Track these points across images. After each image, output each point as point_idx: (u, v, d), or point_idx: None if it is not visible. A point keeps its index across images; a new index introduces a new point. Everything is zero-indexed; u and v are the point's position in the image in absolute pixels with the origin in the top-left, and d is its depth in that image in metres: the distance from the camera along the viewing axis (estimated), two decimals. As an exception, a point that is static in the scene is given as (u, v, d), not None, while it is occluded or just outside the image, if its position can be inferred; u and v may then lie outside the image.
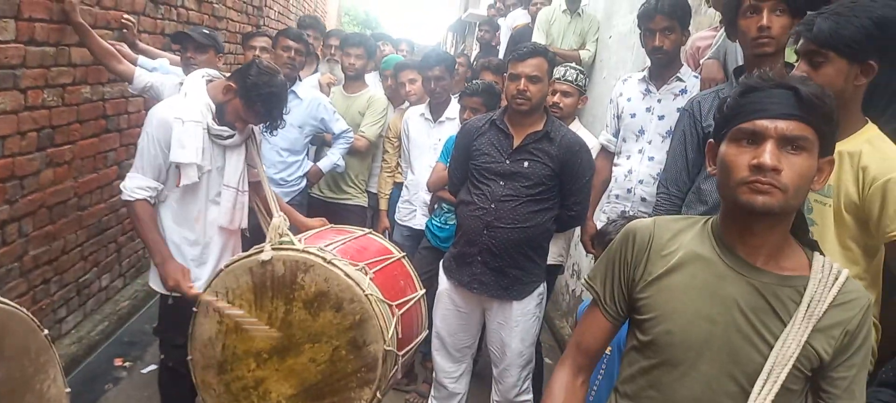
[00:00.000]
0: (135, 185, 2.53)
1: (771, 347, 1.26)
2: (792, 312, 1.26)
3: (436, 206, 3.58)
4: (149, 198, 2.54)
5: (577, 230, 3.32)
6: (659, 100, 3.04)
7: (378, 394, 2.35)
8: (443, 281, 2.97)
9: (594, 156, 3.17)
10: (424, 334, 2.72)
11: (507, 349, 2.87)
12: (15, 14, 2.81)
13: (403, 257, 2.73)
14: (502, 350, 2.89)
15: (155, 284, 2.66)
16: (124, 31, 3.77)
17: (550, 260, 3.15)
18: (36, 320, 1.51)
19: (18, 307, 1.46)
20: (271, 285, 2.36)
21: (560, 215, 2.82)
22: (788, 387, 1.24)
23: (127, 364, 3.69)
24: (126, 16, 3.79)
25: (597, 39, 5.28)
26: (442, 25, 21.97)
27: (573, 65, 3.57)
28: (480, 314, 2.96)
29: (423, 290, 2.70)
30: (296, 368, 2.38)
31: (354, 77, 4.25)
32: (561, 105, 3.29)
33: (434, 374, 3.14)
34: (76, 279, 3.62)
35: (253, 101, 2.53)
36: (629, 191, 3.08)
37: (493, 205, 2.74)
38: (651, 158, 3.02)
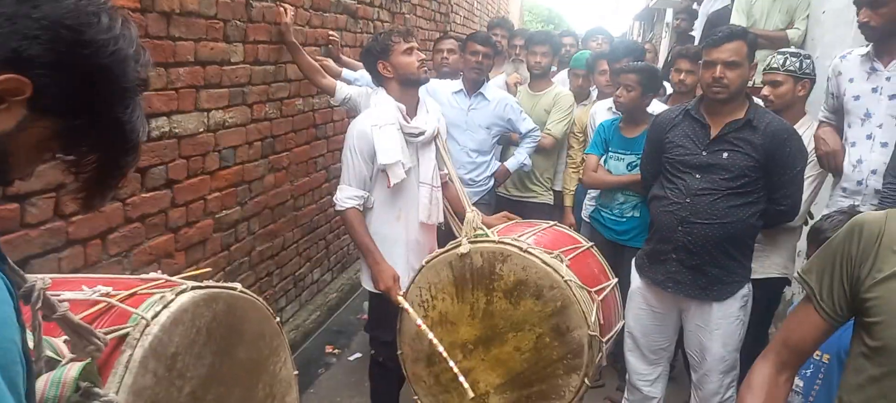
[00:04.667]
0: (344, 196, 2.75)
1: None
2: None
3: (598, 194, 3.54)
4: (358, 206, 2.75)
5: (803, 239, 3.00)
6: (888, 78, 2.68)
7: (586, 381, 2.35)
8: (635, 278, 2.88)
9: None
10: (622, 323, 2.68)
11: (707, 353, 2.71)
12: (243, 38, 3.21)
13: (592, 247, 2.73)
14: (701, 354, 2.74)
15: (367, 284, 2.87)
16: (330, 46, 4.12)
17: (774, 273, 2.91)
18: (270, 308, 1.72)
19: (256, 296, 1.66)
20: (471, 277, 2.46)
21: (767, 210, 2.60)
22: None
23: (336, 351, 4.04)
24: (331, 33, 4.14)
25: (807, 16, 4.77)
26: (628, 15, 21.20)
27: (786, 49, 3.25)
28: (677, 314, 2.83)
29: (616, 279, 2.66)
30: (501, 357, 2.45)
31: (540, 75, 4.27)
32: (772, 97, 2.92)
33: (627, 376, 3.05)
34: (293, 272, 4.03)
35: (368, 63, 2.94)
36: (860, 182, 2.74)
37: (688, 200, 2.60)
38: (884, 144, 2.66)
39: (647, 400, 2.99)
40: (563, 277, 2.31)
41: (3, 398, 0.70)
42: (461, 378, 2.43)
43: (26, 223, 2.02)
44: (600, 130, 3.57)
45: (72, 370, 1.09)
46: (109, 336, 1.23)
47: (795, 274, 1.56)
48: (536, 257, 2.35)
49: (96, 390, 1.13)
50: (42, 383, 1.05)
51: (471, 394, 2.42)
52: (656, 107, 3.53)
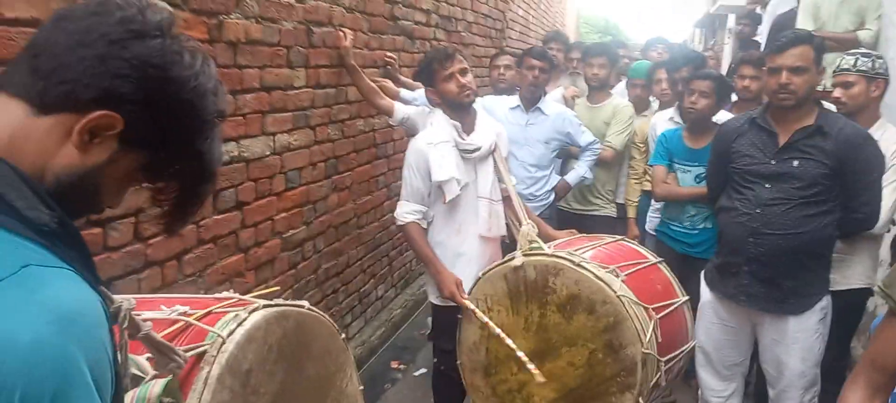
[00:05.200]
0: (404, 211, 2.84)
1: None
2: None
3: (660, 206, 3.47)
4: (418, 221, 2.82)
5: (885, 247, 2.85)
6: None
7: (641, 400, 2.30)
8: (705, 292, 2.81)
9: None
10: (692, 343, 2.59)
11: (785, 369, 2.61)
12: (305, 63, 3.31)
13: (660, 262, 2.66)
14: (779, 369, 2.64)
15: (432, 296, 2.93)
16: (388, 67, 4.20)
17: (856, 283, 2.77)
18: (335, 325, 1.76)
19: (322, 314, 1.71)
20: (525, 290, 2.47)
21: (844, 218, 2.50)
22: None
23: (401, 367, 4.08)
24: (388, 54, 4.23)
25: (879, 16, 4.56)
26: (687, 22, 20.73)
27: (856, 50, 3.12)
28: (751, 328, 2.74)
29: (687, 297, 2.59)
30: (555, 372, 2.44)
31: (598, 87, 4.23)
32: (844, 99, 2.80)
33: (700, 392, 2.97)
34: (358, 289, 4.10)
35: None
36: None
37: (758, 211, 2.53)
38: None
39: (721, 418, 2.90)
40: (615, 292, 2.28)
41: None
42: (530, 366, 2.40)
43: (108, 246, 2.14)
44: (663, 140, 3.51)
45: (156, 386, 1.14)
46: (189, 354, 1.28)
47: (876, 287, 1.48)
48: (589, 271, 2.33)
49: (178, 405, 1.19)
50: (128, 400, 1.11)
51: (541, 379, 2.38)
52: (721, 115, 3.45)
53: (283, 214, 3.19)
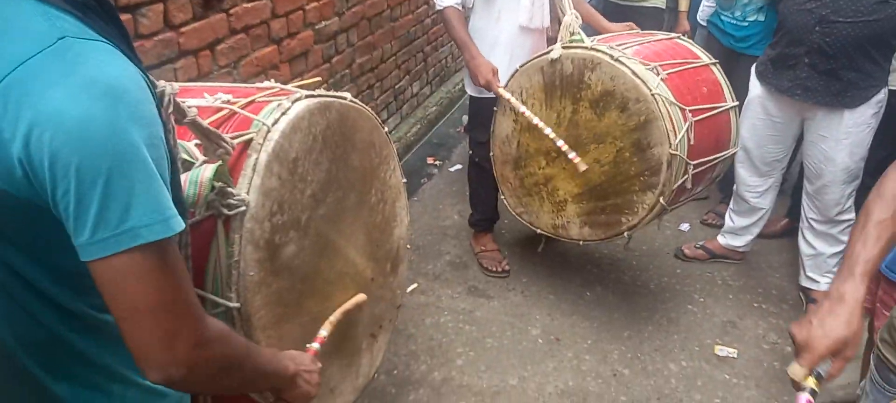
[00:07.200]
0: None
1: None
2: None
3: None
4: (456, 5, 2.66)
5: None
6: None
7: (661, 200, 2.30)
8: (755, 86, 2.70)
9: None
10: (734, 150, 2.52)
11: (830, 163, 2.56)
12: None
13: (714, 64, 2.51)
14: (824, 164, 2.59)
15: (469, 86, 2.85)
16: None
17: None
18: (378, 118, 1.72)
19: (365, 106, 1.66)
20: (560, 84, 2.40)
21: None
22: None
23: (437, 162, 4.12)
24: None
25: None
26: None
27: None
28: (799, 124, 2.66)
29: (736, 103, 2.47)
30: None
31: None
32: None
33: (735, 187, 2.96)
34: (393, 85, 4.04)
35: None
36: None
37: (828, -3, 2.33)
38: None
39: (754, 211, 2.92)
40: (650, 90, 2.18)
41: (158, 186, 0.74)
42: (571, 155, 2.37)
43: (140, 34, 2.08)
44: None
45: (207, 171, 1.14)
46: (235, 141, 1.27)
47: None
48: (626, 67, 2.22)
49: (230, 189, 1.19)
50: (181, 181, 1.11)
51: (583, 167, 2.37)
52: None
53: (314, 4, 3.05)
